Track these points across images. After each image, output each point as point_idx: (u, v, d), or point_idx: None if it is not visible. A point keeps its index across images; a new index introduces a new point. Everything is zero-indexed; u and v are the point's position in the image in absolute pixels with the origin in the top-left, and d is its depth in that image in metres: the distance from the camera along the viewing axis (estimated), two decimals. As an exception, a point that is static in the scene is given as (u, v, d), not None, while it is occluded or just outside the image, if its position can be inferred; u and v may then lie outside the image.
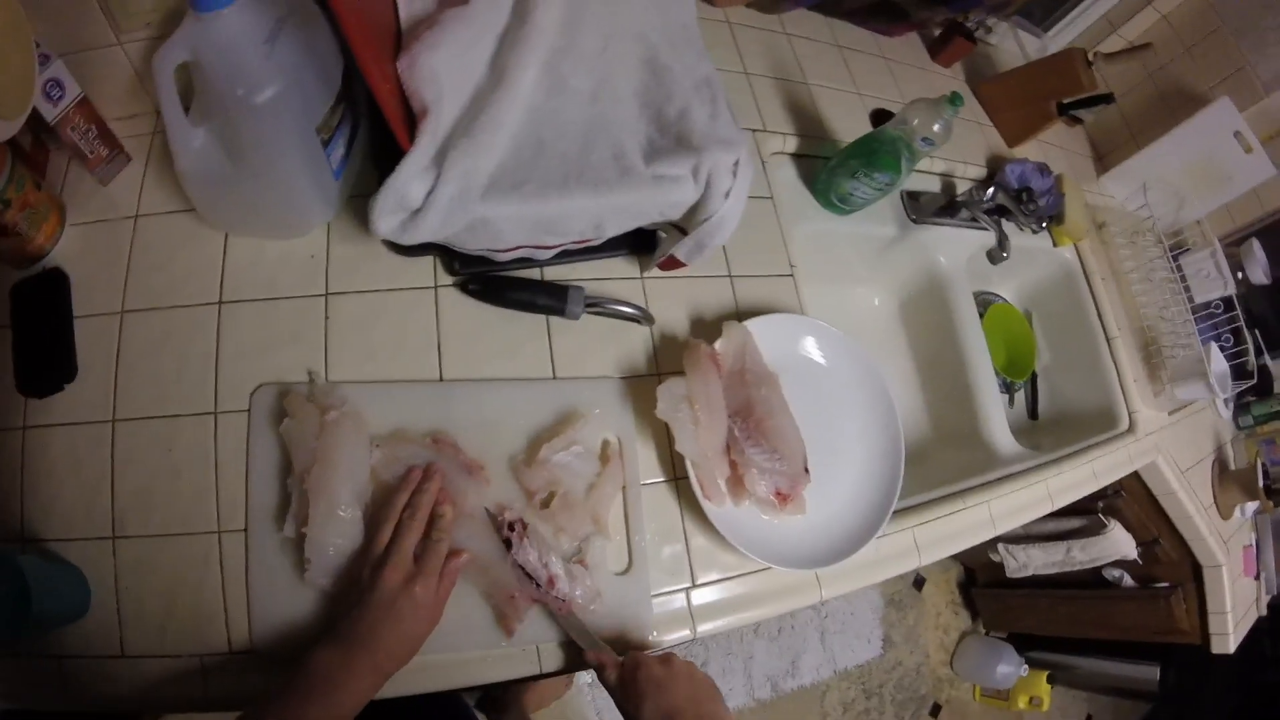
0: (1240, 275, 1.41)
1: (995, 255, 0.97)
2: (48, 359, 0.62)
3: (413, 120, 0.57)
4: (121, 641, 0.56)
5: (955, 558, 2.22)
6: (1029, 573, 1.72)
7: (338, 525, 0.56)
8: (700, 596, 0.67)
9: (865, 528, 0.74)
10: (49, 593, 0.53)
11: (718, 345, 0.71)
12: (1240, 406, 1.52)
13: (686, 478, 0.67)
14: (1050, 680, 2.00)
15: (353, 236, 0.70)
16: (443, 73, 0.58)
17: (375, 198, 0.56)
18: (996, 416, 1.07)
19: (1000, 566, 1.75)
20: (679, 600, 0.66)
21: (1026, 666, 2.03)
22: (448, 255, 0.69)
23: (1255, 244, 1.44)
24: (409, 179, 0.56)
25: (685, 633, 0.66)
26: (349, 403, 0.60)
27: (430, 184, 0.56)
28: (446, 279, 0.70)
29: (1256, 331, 1.51)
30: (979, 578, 2.18)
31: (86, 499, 0.58)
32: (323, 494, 0.56)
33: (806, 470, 0.69)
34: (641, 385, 0.71)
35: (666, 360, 0.74)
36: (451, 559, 0.58)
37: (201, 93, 0.57)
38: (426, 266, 0.70)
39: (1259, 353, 1.51)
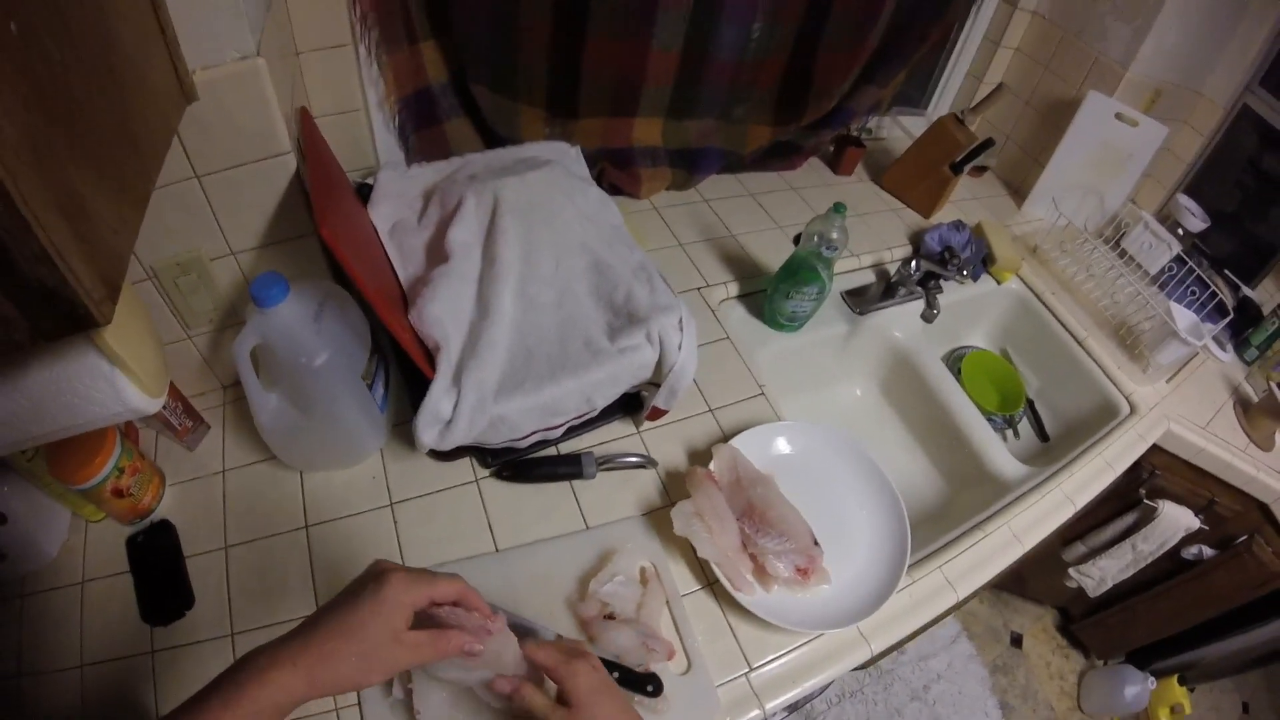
0: (1181, 231, 1.50)
1: (927, 315, 1.11)
2: (167, 593, 0.75)
3: (430, 355, 0.76)
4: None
5: (1043, 602, 2.19)
6: (1109, 585, 1.71)
7: (439, 681, 0.64)
8: (760, 677, 0.76)
9: (890, 575, 0.83)
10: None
11: (711, 465, 0.85)
12: (1240, 343, 1.54)
13: (718, 581, 0.78)
14: (1183, 682, 1.92)
15: (402, 455, 0.86)
16: (444, 316, 0.77)
17: (417, 418, 0.72)
18: (995, 449, 1.16)
19: (1084, 594, 1.75)
20: (742, 685, 0.75)
21: (1153, 679, 1.94)
22: (480, 453, 0.85)
23: (1180, 198, 1.54)
24: (439, 399, 0.72)
25: (756, 712, 0.74)
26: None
27: (455, 399, 0.73)
28: (483, 471, 0.86)
29: (1227, 271, 1.58)
30: (1073, 613, 2.12)
31: None
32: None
33: (816, 543, 0.80)
34: (660, 516, 0.84)
35: (675, 491, 0.87)
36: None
37: (269, 365, 0.73)
38: (465, 466, 0.86)
39: (1235, 288, 1.56)
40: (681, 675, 0.74)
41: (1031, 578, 2.02)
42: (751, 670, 0.76)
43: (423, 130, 1.06)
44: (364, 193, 0.92)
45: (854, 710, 1.85)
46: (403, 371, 0.90)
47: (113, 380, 0.58)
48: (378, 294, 0.70)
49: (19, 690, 0.70)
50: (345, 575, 0.73)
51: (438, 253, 0.84)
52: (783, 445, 0.93)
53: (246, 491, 0.83)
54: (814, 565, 0.80)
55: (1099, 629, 2.03)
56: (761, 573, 0.79)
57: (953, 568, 0.93)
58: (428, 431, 0.73)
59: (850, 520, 0.89)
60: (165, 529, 0.79)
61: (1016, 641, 2.12)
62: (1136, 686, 1.93)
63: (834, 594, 0.81)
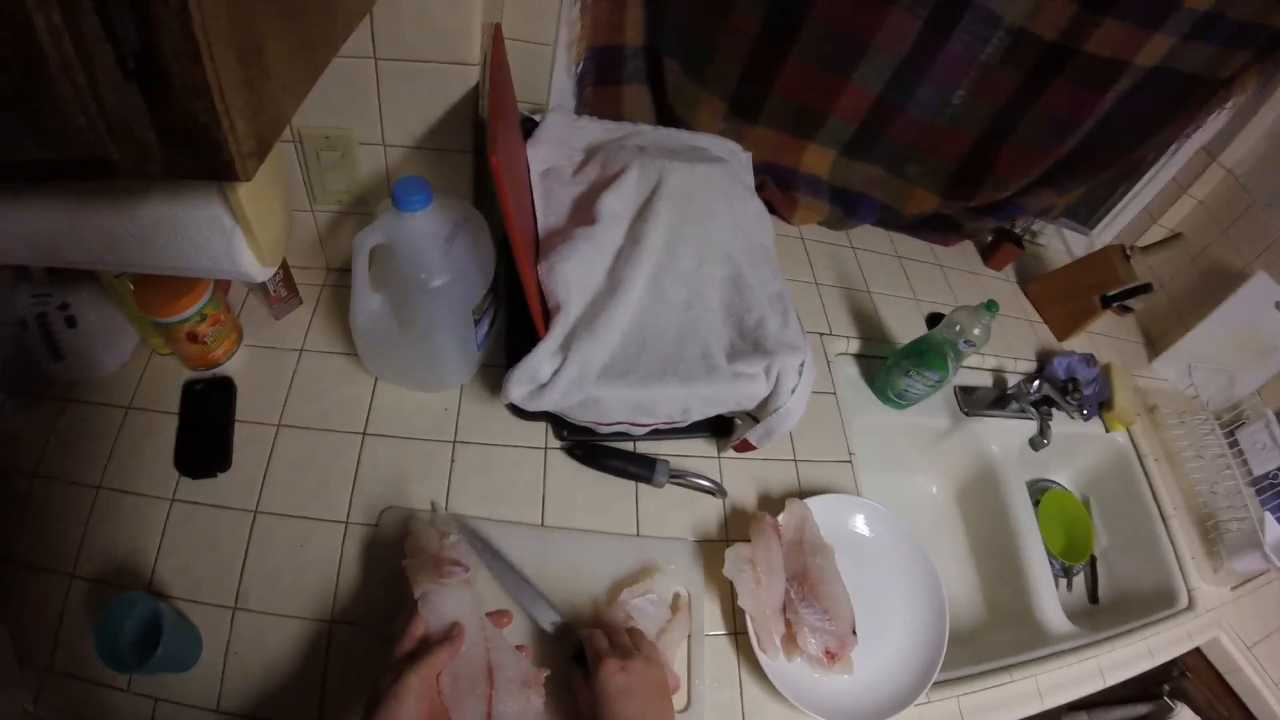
0: None
1: (1036, 442, 1.05)
2: (207, 448, 0.74)
3: (547, 313, 0.73)
4: (219, 699, 0.63)
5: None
6: (1097, 765, 1.64)
7: (443, 631, 0.63)
8: (751, 743, 0.73)
9: (909, 690, 0.79)
10: (173, 640, 0.60)
11: (780, 518, 0.81)
12: None
13: (745, 633, 0.75)
14: None
15: (481, 397, 0.85)
16: (573, 279, 0.74)
17: (513, 370, 0.70)
18: (1048, 596, 1.11)
19: (1068, 756, 1.68)
20: (731, 744, 0.73)
21: None
22: (558, 423, 0.83)
23: None
24: (542, 360, 0.70)
25: (735, 777, 0.72)
26: (465, 531, 0.73)
27: (557, 365, 0.70)
28: (555, 443, 0.84)
29: None
30: (1052, 781, 2.05)
31: (217, 571, 0.68)
32: (433, 604, 0.63)
33: (854, 632, 0.77)
34: (712, 548, 0.81)
35: (735, 529, 0.84)
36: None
37: (384, 268, 0.72)
38: (539, 430, 0.84)
39: None
40: (679, 712, 0.71)
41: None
42: (747, 732, 0.74)
43: (601, 86, 1.04)
44: (525, 127, 0.90)
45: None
46: (510, 318, 0.88)
47: (231, 239, 0.56)
48: (521, 236, 0.68)
49: (29, 489, 0.70)
50: (386, 494, 0.75)
51: (584, 212, 0.82)
52: (858, 523, 0.90)
53: (317, 378, 0.82)
54: (843, 653, 0.76)
55: (1065, 799, 1.95)
56: (790, 641, 0.76)
57: (970, 701, 0.88)
58: (519, 388, 0.71)
59: (891, 621, 0.85)
60: (225, 386, 0.79)
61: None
62: None
63: (850, 686, 0.78)
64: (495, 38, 0.79)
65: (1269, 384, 1.48)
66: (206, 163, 0.33)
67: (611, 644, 0.64)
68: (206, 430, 0.76)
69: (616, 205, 0.81)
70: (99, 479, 0.71)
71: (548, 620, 0.71)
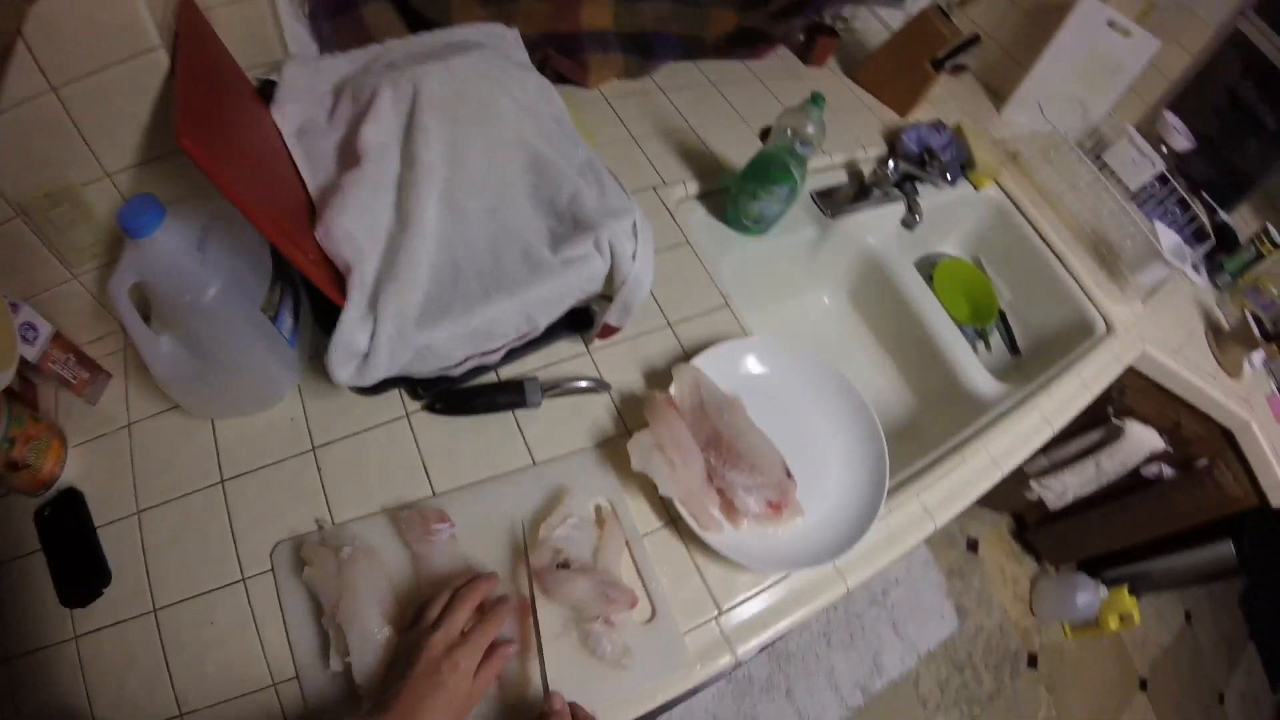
0: (1165, 149, 1.46)
1: (909, 222, 1.02)
2: (81, 571, 0.66)
3: (340, 279, 0.64)
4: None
5: (1000, 509, 2.21)
6: (1070, 499, 1.72)
7: (376, 647, 0.60)
8: (730, 621, 0.70)
9: (868, 506, 0.77)
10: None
11: (671, 390, 0.75)
12: (1214, 268, 1.53)
13: (684, 519, 0.70)
14: (1132, 592, 1.97)
15: (323, 392, 0.75)
16: (356, 230, 0.64)
17: (329, 353, 0.62)
18: (970, 365, 1.11)
19: (1040, 502, 1.76)
20: (711, 631, 0.69)
21: (1104, 588, 2.00)
22: (410, 383, 0.74)
23: (1166, 114, 1.50)
24: (351, 330, 0.61)
25: (727, 659, 0.68)
26: (359, 538, 0.65)
27: (370, 329, 0.62)
28: (414, 405, 0.75)
29: (1204, 193, 1.55)
30: (1028, 520, 2.16)
31: (148, 686, 0.61)
32: (354, 624, 0.60)
33: (789, 475, 0.73)
34: (615, 446, 0.75)
35: (632, 418, 0.78)
36: (501, 645, 0.59)
37: (156, 305, 0.63)
38: (394, 399, 0.75)
39: (1213, 211, 1.55)
40: (645, 624, 0.67)
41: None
42: (721, 614, 0.70)
43: (338, 17, 0.91)
44: (267, 91, 0.78)
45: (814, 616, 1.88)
46: (315, 297, 0.78)
47: None
48: (260, 210, 0.57)
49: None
50: (269, 532, 0.68)
51: (350, 156, 0.71)
52: (750, 364, 0.85)
53: (155, 446, 0.73)
54: (787, 499, 0.73)
55: (1052, 537, 2.08)
56: (730, 509, 0.72)
57: (931, 495, 0.88)
58: (342, 368, 0.62)
59: (825, 448, 0.82)
60: (73, 499, 0.70)
61: (972, 547, 2.16)
62: (1088, 594, 1.99)
63: (808, 528, 0.75)
64: (183, 9, 0.67)
65: (1122, 101, 1.50)
66: None
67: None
68: (74, 553, 0.68)
69: (379, 135, 0.70)
70: (3, 651, 0.63)
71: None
